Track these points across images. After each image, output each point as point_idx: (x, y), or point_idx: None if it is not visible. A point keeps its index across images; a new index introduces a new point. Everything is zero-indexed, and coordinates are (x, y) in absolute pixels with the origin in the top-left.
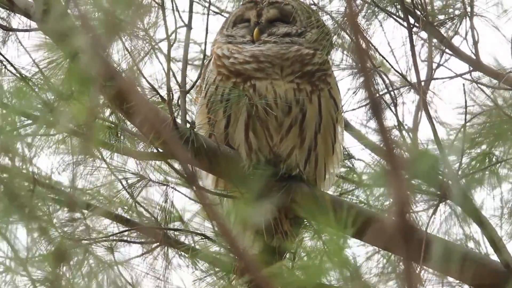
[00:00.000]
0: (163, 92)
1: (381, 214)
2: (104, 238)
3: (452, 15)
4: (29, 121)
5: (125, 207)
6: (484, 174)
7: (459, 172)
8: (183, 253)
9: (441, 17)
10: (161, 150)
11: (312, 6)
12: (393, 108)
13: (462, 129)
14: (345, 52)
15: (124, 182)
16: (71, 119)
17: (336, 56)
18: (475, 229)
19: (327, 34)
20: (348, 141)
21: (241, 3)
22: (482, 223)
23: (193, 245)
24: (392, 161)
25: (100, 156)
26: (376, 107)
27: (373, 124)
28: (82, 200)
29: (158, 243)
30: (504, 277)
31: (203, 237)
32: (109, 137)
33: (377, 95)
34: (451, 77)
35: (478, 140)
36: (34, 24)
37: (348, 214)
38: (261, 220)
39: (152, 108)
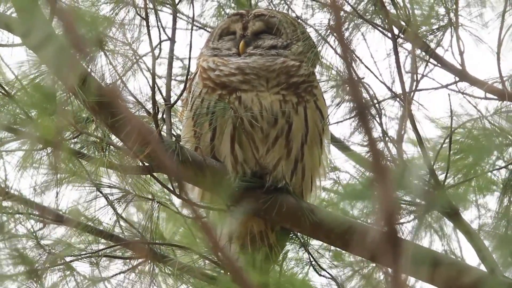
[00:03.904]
0: (148, 107)
1: (367, 224)
2: (88, 254)
3: (438, 25)
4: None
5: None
6: (469, 186)
7: (445, 183)
8: (169, 268)
9: (426, 27)
10: (146, 164)
11: (297, 19)
12: (378, 120)
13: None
14: (329, 63)
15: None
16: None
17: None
18: (455, 239)
19: (312, 46)
20: (333, 153)
21: (227, 16)
22: (469, 233)
23: (178, 259)
24: (378, 166)
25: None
26: (363, 111)
27: (358, 135)
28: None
29: (144, 259)
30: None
31: (190, 251)
32: (94, 151)
33: (364, 99)
34: (437, 88)
35: (463, 154)
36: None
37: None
38: (235, 228)
39: (138, 120)
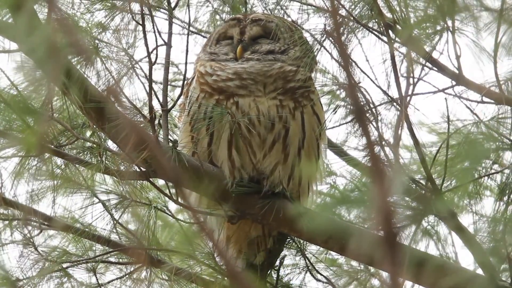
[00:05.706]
0: (145, 112)
1: (364, 228)
2: (85, 260)
3: (434, 29)
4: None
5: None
6: (466, 189)
7: (442, 187)
8: (166, 273)
9: (422, 31)
10: (143, 169)
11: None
12: (374, 124)
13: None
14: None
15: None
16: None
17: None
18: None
19: (310, 51)
20: (330, 157)
21: (224, 20)
22: (467, 237)
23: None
24: (376, 169)
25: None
26: (361, 114)
27: (354, 139)
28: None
29: (141, 264)
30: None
31: (188, 258)
32: (91, 157)
33: (361, 101)
34: (434, 92)
35: (459, 158)
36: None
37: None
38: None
39: (135, 125)
